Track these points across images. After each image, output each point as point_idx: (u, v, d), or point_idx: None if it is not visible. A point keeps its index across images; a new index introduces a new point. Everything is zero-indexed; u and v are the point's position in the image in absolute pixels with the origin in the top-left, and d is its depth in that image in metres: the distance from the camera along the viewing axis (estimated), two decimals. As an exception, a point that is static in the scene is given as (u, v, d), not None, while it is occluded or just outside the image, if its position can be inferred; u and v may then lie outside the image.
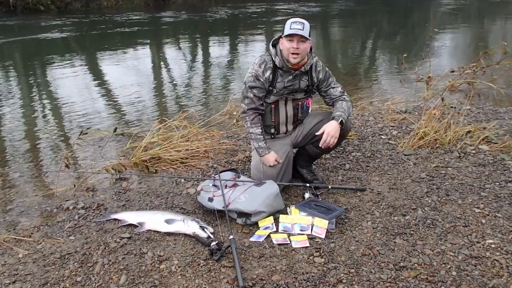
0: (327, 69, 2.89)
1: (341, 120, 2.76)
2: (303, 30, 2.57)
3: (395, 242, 2.40)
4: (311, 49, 2.73)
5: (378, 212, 2.71)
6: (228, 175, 2.93)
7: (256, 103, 2.78)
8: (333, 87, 2.90)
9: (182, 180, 3.23)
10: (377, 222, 2.59)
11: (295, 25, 2.58)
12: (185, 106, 5.50)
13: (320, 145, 2.77)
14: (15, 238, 2.57)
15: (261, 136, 2.82)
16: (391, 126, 4.24)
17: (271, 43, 2.77)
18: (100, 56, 9.32)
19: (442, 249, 2.32)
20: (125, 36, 11.56)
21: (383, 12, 17.77)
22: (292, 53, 2.62)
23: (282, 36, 2.65)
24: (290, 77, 2.75)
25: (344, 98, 2.89)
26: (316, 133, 2.79)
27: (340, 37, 12.49)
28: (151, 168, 3.40)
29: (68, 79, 7.18)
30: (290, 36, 2.58)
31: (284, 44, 2.65)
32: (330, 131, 2.72)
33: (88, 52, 9.75)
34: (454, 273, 2.14)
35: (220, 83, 7.03)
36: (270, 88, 2.76)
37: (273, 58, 2.73)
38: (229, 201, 2.63)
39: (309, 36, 2.61)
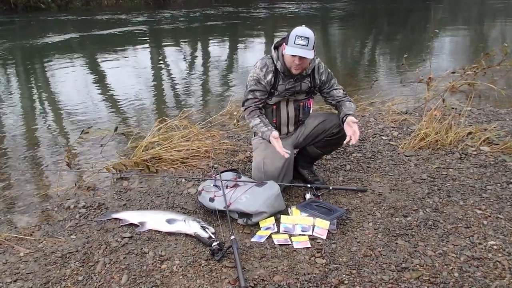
0: (329, 70, 2.89)
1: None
2: (307, 46, 2.52)
3: (396, 243, 2.40)
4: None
5: (379, 213, 2.71)
6: (229, 175, 2.93)
7: (257, 103, 2.76)
8: (336, 89, 2.89)
9: (183, 180, 3.23)
10: (378, 223, 2.59)
11: (299, 41, 2.52)
12: (185, 106, 5.49)
13: (346, 143, 2.70)
14: (16, 237, 2.57)
15: (261, 124, 2.72)
16: (392, 127, 4.24)
17: (273, 45, 2.75)
18: (100, 55, 9.31)
19: (444, 251, 2.32)
20: (126, 35, 11.55)
21: (384, 12, 17.77)
22: (294, 67, 2.62)
23: (285, 44, 2.60)
24: (292, 80, 2.74)
25: (349, 99, 2.88)
26: (347, 134, 2.69)
27: (340, 37, 12.49)
28: (152, 167, 3.40)
29: (69, 79, 7.17)
30: (293, 55, 2.56)
31: (286, 56, 2.63)
32: (356, 128, 2.67)
33: (89, 52, 9.73)
34: (456, 274, 2.14)
35: (221, 83, 7.02)
36: (272, 90, 2.75)
37: (275, 62, 2.72)
38: (230, 201, 2.63)
39: (314, 47, 2.57)
